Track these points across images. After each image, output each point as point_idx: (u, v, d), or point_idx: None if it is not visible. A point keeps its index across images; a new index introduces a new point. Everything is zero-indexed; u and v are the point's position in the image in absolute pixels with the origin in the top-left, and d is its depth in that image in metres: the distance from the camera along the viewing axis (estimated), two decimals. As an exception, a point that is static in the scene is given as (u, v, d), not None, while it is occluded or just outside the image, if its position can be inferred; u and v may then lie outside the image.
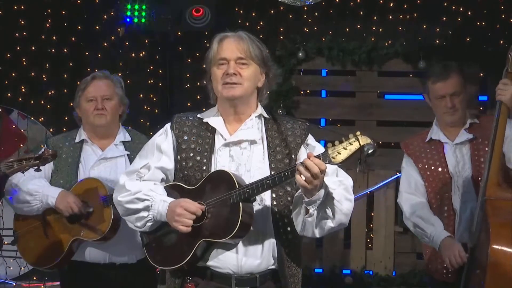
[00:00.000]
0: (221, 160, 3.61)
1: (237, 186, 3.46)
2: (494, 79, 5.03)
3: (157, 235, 3.65)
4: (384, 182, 7.35)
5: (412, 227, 4.91)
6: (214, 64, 3.62)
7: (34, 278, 7.14)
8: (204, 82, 3.74)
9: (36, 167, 4.23)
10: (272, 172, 3.51)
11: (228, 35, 3.65)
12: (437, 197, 4.87)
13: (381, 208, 7.42)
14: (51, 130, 7.31)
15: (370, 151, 3.27)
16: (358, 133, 3.30)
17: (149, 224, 3.61)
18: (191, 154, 3.62)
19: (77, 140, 4.93)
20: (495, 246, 4.22)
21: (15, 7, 7.36)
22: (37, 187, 4.70)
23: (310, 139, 3.67)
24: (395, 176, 7.20)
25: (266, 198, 3.57)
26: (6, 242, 5.23)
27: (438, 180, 4.86)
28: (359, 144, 3.27)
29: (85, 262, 4.81)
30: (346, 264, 7.42)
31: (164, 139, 3.71)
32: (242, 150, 3.62)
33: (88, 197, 4.72)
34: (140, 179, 3.66)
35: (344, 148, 3.29)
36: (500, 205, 4.38)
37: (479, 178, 4.66)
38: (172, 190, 3.63)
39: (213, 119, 3.68)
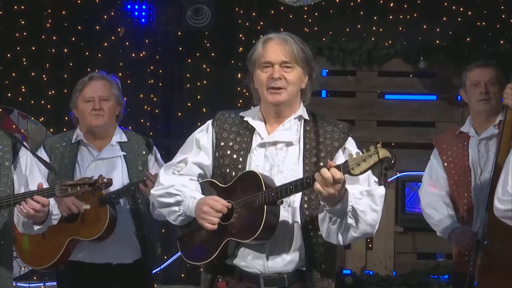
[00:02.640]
0: (256, 160, 3.62)
1: (264, 188, 3.46)
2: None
3: (189, 230, 3.69)
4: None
5: (426, 218, 5.00)
6: (259, 67, 3.63)
7: (34, 278, 7.14)
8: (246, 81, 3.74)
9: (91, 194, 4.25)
10: (306, 175, 3.51)
11: (272, 37, 3.65)
12: (459, 190, 4.93)
13: (381, 208, 7.40)
14: (51, 130, 7.32)
15: (388, 165, 3.27)
16: (378, 145, 3.29)
17: (180, 218, 3.65)
18: (228, 152, 3.64)
19: (73, 140, 4.94)
20: (490, 248, 4.24)
21: (15, 7, 7.35)
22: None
23: (349, 143, 3.65)
24: (395, 176, 7.21)
25: (296, 200, 3.57)
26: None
27: (459, 173, 4.93)
28: (378, 157, 3.27)
29: (82, 263, 4.82)
30: (346, 264, 7.42)
31: (204, 135, 3.73)
32: (277, 150, 3.63)
33: (85, 197, 4.72)
34: (178, 173, 3.70)
35: (364, 160, 3.29)
36: None
37: None
38: (207, 186, 3.67)
39: (254, 118, 3.69)
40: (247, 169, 3.60)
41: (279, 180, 3.53)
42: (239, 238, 3.51)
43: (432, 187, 5.03)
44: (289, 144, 3.64)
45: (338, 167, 3.34)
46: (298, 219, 3.57)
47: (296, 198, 3.57)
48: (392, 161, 3.27)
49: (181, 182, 3.66)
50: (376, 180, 3.35)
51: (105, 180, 4.03)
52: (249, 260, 3.57)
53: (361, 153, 3.32)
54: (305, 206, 3.56)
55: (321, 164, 3.52)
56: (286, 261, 3.56)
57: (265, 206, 3.45)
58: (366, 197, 3.50)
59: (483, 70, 4.96)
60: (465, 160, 4.92)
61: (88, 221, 4.73)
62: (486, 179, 4.82)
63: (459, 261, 4.97)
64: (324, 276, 3.60)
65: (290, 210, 3.57)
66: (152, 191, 3.74)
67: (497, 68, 4.99)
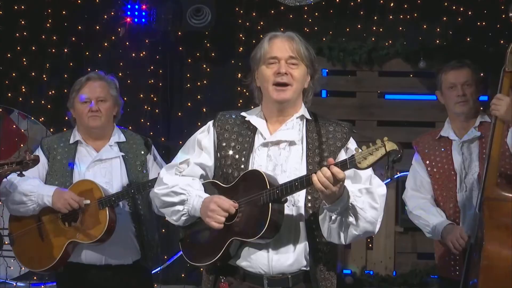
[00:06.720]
0: (259, 160, 3.62)
1: (268, 187, 3.46)
2: (494, 79, 5.03)
3: (192, 231, 3.68)
4: (384, 182, 7.32)
5: (416, 220, 4.98)
6: (264, 62, 3.63)
7: (34, 278, 7.14)
8: (247, 81, 3.74)
9: (18, 172, 4.23)
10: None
11: (278, 35, 3.66)
12: (444, 194, 4.92)
13: (381, 208, 7.39)
14: (51, 130, 7.31)
15: (396, 158, 3.27)
16: (385, 138, 3.29)
17: (183, 218, 3.64)
18: (230, 152, 3.64)
19: (71, 141, 4.94)
20: (488, 248, 4.22)
21: (15, 7, 7.35)
22: (31, 187, 4.71)
23: (351, 143, 3.66)
24: (396, 176, 7.19)
25: (300, 199, 3.57)
26: (6, 242, 5.23)
27: (444, 177, 4.92)
28: (385, 150, 3.26)
29: (81, 264, 4.82)
30: (346, 264, 7.42)
31: (205, 136, 3.72)
32: (280, 150, 3.63)
33: (84, 194, 4.72)
34: (180, 174, 3.69)
35: (370, 154, 3.29)
36: (497, 206, 4.39)
37: None
38: (209, 187, 3.66)
39: (256, 118, 3.69)
40: (250, 169, 3.60)
41: (283, 179, 3.53)
42: (244, 237, 3.51)
43: (417, 192, 5.03)
44: (292, 143, 3.64)
45: (345, 161, 3.35)
46: (302, 218, 3.57)
47: (300, 197, 3.57)
48: (400, 154, 3.27)
49: (185, 182, 3.65)
50: (383, 173, 3.35)
51: (32, 156, 4.02)
52: (253, 260, 3.57)
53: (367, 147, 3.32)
54: (309, 205, 3.57)
55: (325, 163, 3.50)
56: (290, 261, 3.56)
57: (270, 204, 3.45)
58: (365, 195, 3.51)
59: (458, 72, 4.94)
60: (449, 165, 4.91)
61: (87, 224, 4.72)
62: (471, 181, 4.82)
63: (443, 265, 4.96)
64: (327, 275, 3.61)
65: (294, 209, 3.58)
66: (155, 191, 3.72)
67: (472, 68, 4.98)
